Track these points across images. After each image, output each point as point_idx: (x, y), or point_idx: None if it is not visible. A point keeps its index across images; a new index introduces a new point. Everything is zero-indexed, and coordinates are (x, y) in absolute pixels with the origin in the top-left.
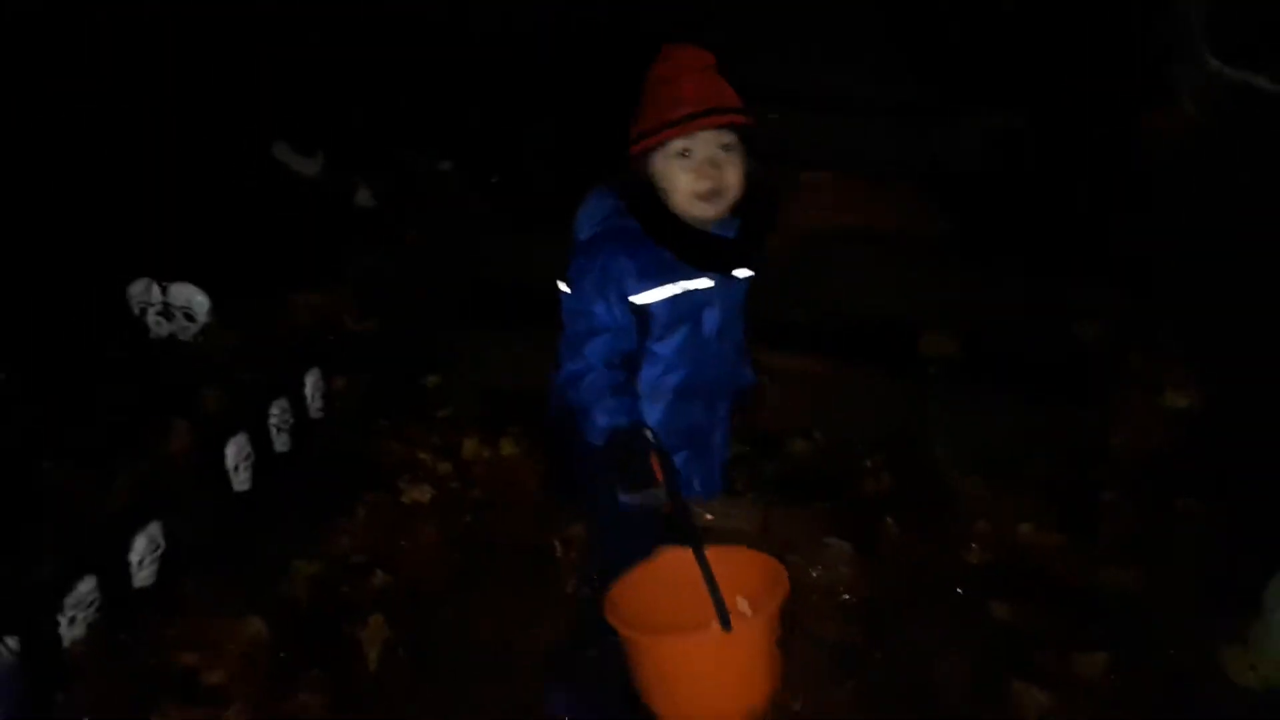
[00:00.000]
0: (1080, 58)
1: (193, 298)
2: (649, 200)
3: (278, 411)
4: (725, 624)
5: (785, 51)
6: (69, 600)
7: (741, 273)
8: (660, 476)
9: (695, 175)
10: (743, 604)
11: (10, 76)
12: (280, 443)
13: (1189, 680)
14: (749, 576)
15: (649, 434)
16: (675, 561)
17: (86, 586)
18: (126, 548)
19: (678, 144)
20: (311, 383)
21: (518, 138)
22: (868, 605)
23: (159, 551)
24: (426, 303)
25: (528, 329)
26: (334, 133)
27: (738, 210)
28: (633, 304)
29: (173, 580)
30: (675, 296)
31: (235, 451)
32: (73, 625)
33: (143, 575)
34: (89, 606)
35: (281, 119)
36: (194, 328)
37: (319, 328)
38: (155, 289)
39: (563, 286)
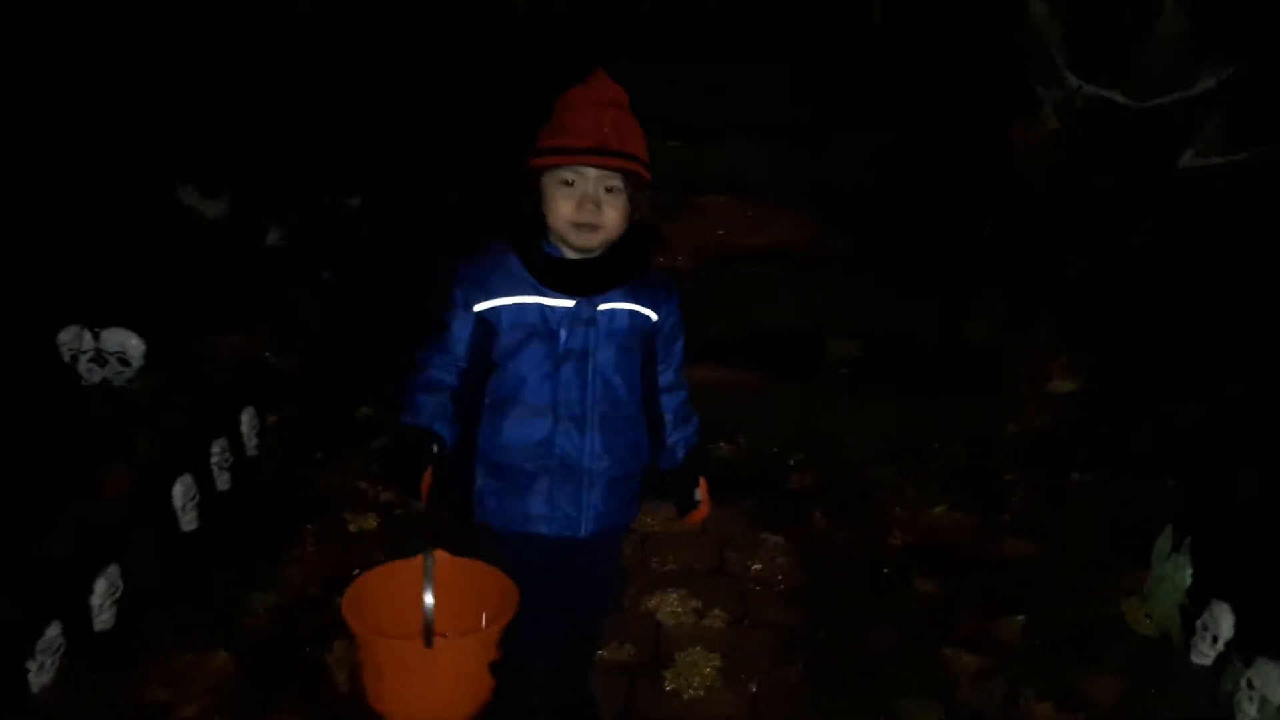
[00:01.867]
0: (949, 76)
1: (126, 342)
2: (526, 212)
3: (218, 451)
4: (428, 640)
5: (681, 82)
6: (38, 645)
7: (612, 306)
8: (425, 487)
9: (574, 206)
10: (484, 620)
11: None
12: (222, 481)
13: (1095, 632)
14: (486, 593)
15: (434, 445)
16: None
17: (53, 632)
18: (87, 591)
19: (563, 173)
20: (247, 421)
21: (421, 172)
22: (805, 591)
23: (118, 594)
24: (347, 336)
25: None
26: (240, 173)
27: (612, 248)
28: (476, 313)
29: (135, 621)
30: (523, 307)
31: (181, 492)
32: (42, 670)
33: (103, 619)
34: (55, 651)
35: (187, 162)
36: (128, 372)
37: (245, 367)
38: (86, 335)
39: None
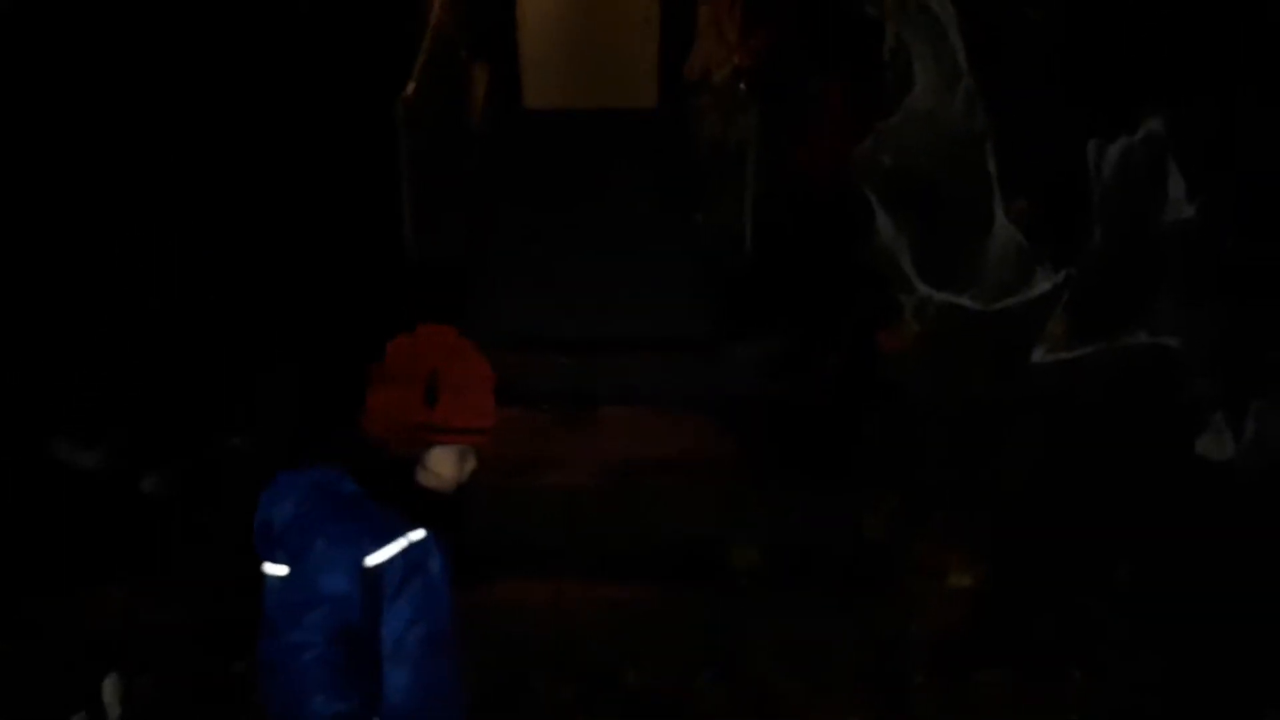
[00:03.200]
0: (821, 287)
1: None
2: (392, 469)
3: None
4: None
5: (574, 303)
6: None
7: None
8: None
9: (460, 468)
10: None
11: None
12: None
13: None
14: None
15: None
16: None
17: None
18: None
19: (465, 446)
20: (110, 689)
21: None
22: None
23: None
24: (230, 584)
25: None
26: (115, 423)
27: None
28: (365, 568)
29: None
30: (405, 551)
31: None
32: None
33: None
34: None
35: (59, 414)
36: None
37: (114, 626)
38: None
39: (270, 569)
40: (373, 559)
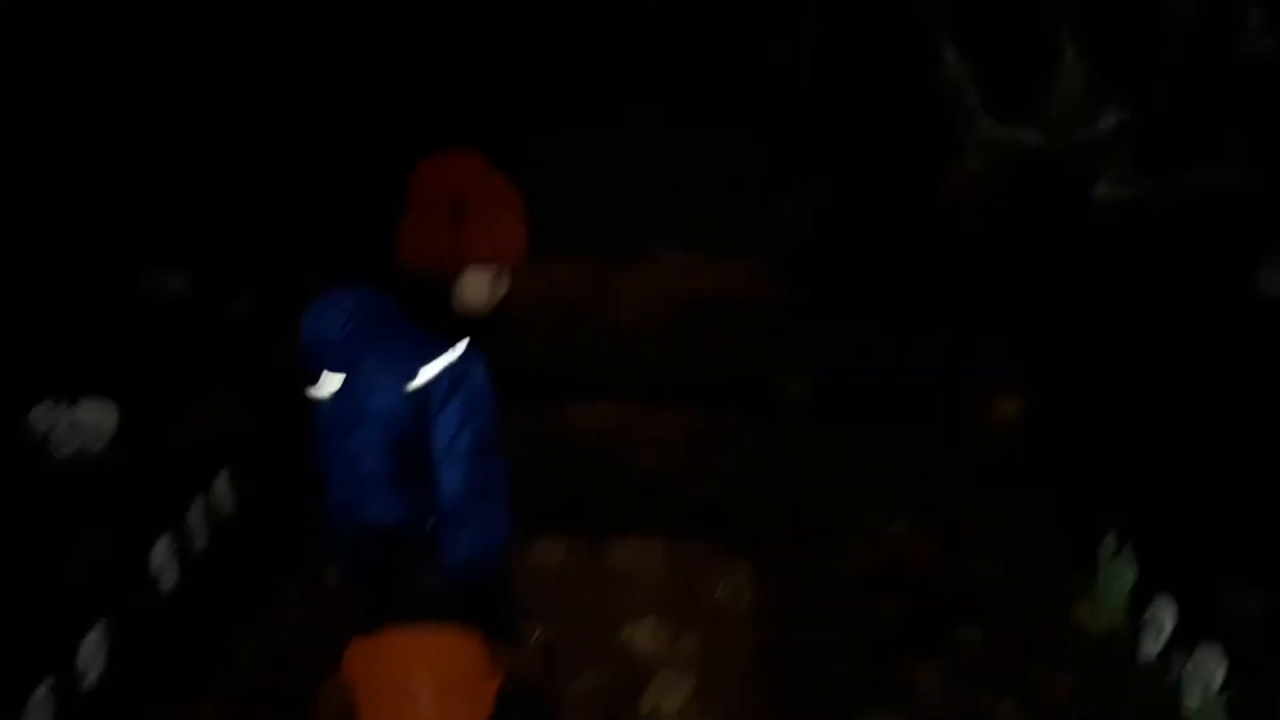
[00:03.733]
0: (881, 127)
1: (99, 413)
2: (428, 290)
3: (195, 512)
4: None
5: (629, 140)
6: (29, 704)
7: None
8: None
9: (495, 291)
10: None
11: None
12: (201, 541)
13: (1049, 634)
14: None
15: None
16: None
17: (42, 691)
18: (74, 652)
19: (497, 267)
20: (223, 482)
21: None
22: (772, 615)
23: (104, 653)
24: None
25: None
26: (203, 247)
27: None
28: (411, 385)
29: (121, 678)
30: (448, 367)
31: (161, 554)
32: None
33: (90, 677)
34: (46, 710)
35: (150, 237)
36: (101, 444)
37: (220, 432)
38: (60, 409)
39: (320, 386)
40: (418, 378)
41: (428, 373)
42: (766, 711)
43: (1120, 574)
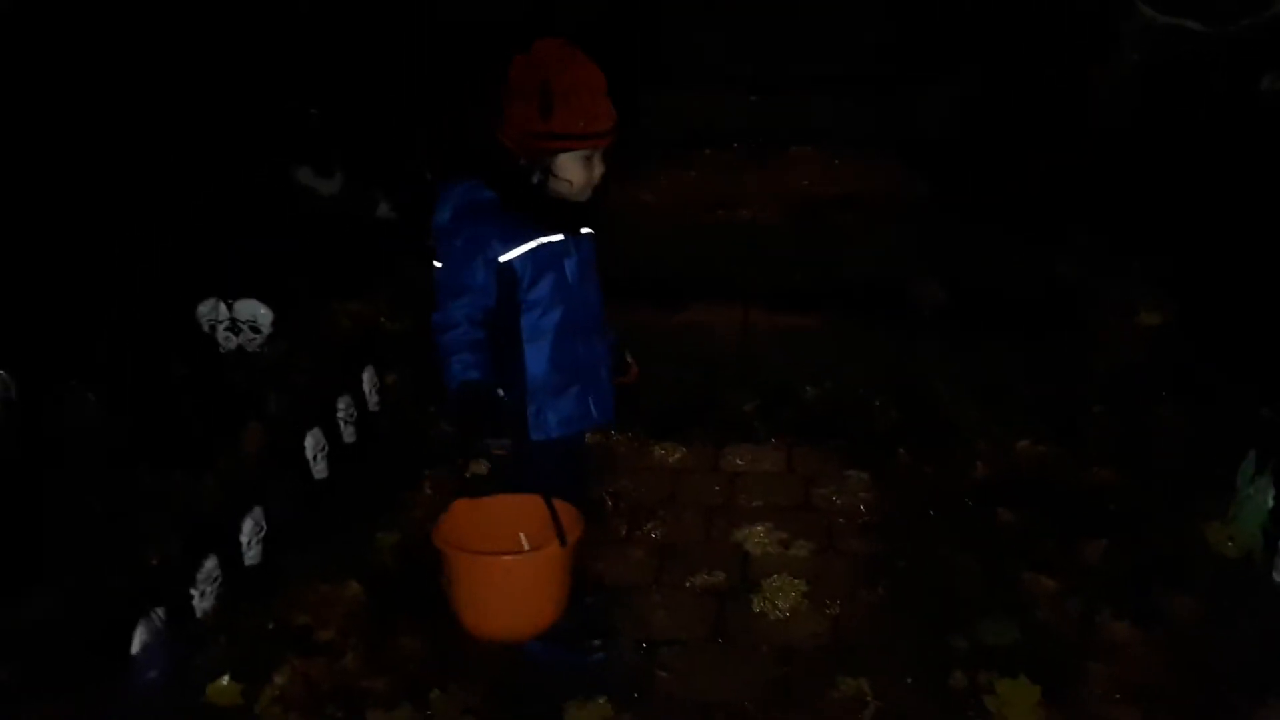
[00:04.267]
0: (1026, 18)
1: (256, 311)
2: (519, 179)
3: (343, 407)
4: (562, 541)
5: (759, 39)
6: (199, 576)
7: (584, 231)
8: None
9: (589, 173)
10: (522, 539)
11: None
12: (348, 434)
13: (1177, 555)
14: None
15: (499, 391)
16: (490, 504)
17: (210, 564)
18: (237, 531)
19: (587, 151)
20: (368, 379)
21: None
22: (888, 523)
23: (262, 534)
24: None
25: None
26: (350, 153)
27: None
28: (499, 264)
29: (277, 557)
30: (535, 250)
31: (312, 444)
32: (203, 598)
33: (251, 554)
34: (214, 582)
35: (300, 144)
36: (259, 339)
37: (363, 331)
38: (222, 306)
39: (436, 264)
40: (503, 257)
41: (514, 253)
42: (875, 616)
43: (1259, 497)
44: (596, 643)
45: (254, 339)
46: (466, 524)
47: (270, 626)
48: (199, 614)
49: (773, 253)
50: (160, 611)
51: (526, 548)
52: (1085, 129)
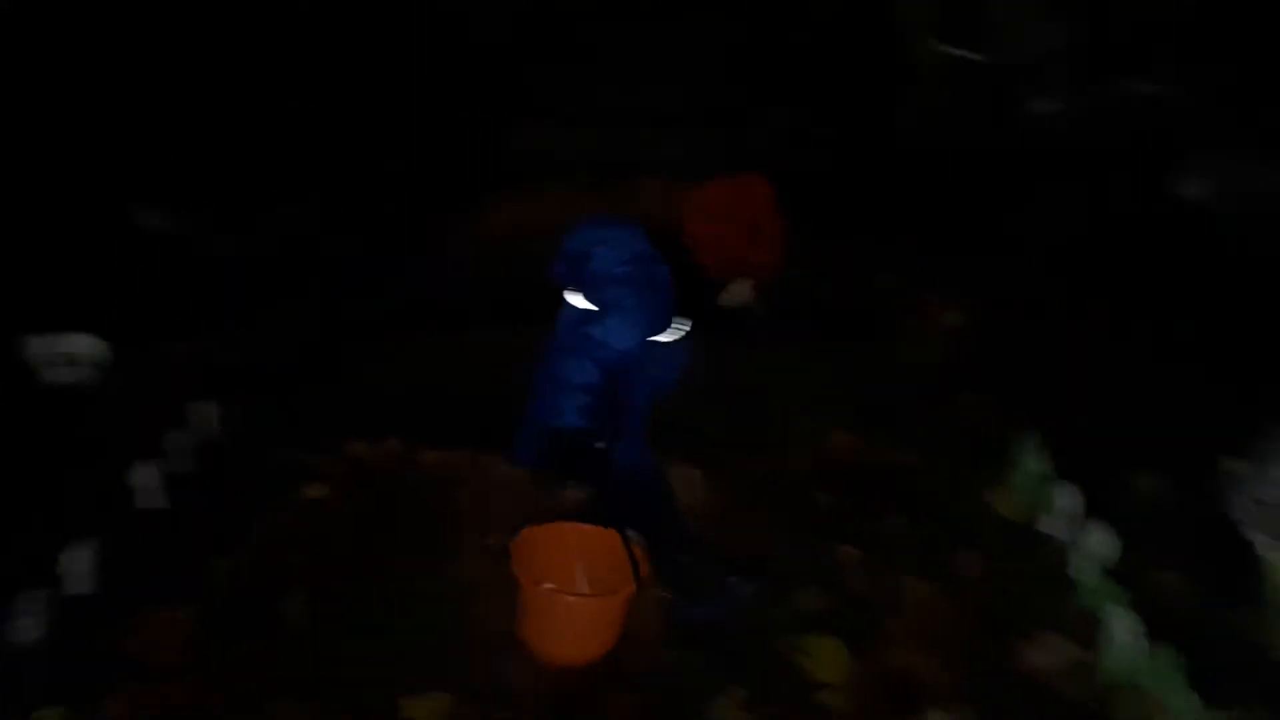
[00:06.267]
0: (841, 56)
1: (92, 347)
2: (704, 288)
3: (180, 437)
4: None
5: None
6: (17, 607)
7: None
8: None
9: (752, 293)
10: (579, 572)
11: None
12: (185, 465)
13: (968, 521)
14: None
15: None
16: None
17: (33, 594)
18: (71, 561)
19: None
20: (206, 410)
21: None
22: (716, 512)
23: (91, 564)
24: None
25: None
26: (187, 188)
27: None
28: (648, 340)
29: (110, 586)
30: (670, 340)
31: (147, 476)
32: (27, 630)
33: (79, 584)
34: (42, 613)
35: (139, 178)
36: (94, 372)
37: (205, 363)
38: (56, 342)
39: (572, 298)
40: (651, 338)
41: (666, 336)
42: None
43: (1034, 464)
44: (733, 579)
45: (90, 372)
46: (532, 551)
47: (101, 653)
48: (26, 643)
49: None
50: None
51: (582, 578)
52: (895, 151)
